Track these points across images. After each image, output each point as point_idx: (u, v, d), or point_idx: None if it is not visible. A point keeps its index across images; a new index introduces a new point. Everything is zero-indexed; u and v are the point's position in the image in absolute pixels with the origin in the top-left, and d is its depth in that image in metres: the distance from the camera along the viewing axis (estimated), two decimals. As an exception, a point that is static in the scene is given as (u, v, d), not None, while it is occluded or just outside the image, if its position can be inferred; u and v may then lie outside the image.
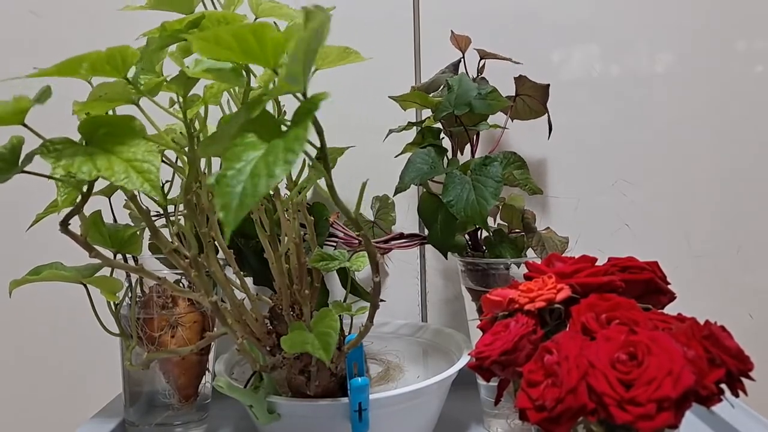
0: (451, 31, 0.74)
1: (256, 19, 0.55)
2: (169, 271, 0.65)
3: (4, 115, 0.39)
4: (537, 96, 0.73)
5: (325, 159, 0.39)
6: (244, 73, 0.45)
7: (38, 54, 0.85)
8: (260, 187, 0.32)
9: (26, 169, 0.41)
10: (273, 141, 0.34)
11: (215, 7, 0.54)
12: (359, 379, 0.54)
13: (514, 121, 0.76)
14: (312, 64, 0.36)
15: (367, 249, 0.46)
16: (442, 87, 0.70)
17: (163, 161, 0.55)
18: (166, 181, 0.62)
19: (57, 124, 0.47)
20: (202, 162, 0.54)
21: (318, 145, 0.38)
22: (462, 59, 0.74)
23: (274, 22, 0.57)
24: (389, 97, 0.73)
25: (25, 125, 0.41)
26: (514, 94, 0.73)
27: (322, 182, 0.40)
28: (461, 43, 0.74)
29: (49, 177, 0.42)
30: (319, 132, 0.37)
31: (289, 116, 0.37)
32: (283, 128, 0.36)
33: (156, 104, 0.46)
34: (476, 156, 0.70)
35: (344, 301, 0.59)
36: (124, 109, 0.44)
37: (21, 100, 0.38)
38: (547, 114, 0.73)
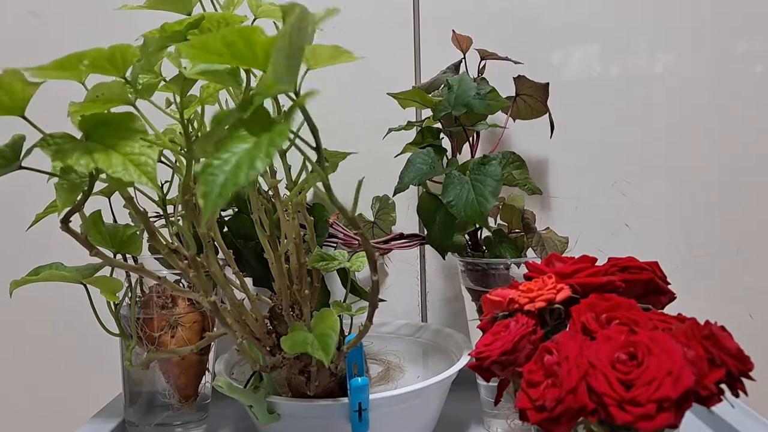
0: (453, 31, 0.74)
1: (254, 20, 0.54)
2: (169, 271, 0.64)
3: (4, 102, 0.39)
4: (537, 95, 0.73)
5: (320, 158, 0.39)
6: (243, 73, 0.45)
7: (38, 54, 0.85)
8: (240, 177, 0.32)
9: (26, 164, 0.42)
10: (262, 135, 0.34)
11: (214, 8, 0.54)
12: (359, 379, 0.54)
13: (516, 121, 0.76)
14: (299, 63, 0.36)
15: (365, 248, 0.46)
16: (442, 87, 0.70)
17: (161, 161, 0.55)
18: (165, 182, 0.62)
19: (58, 123, 0.47)
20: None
21: (314, 144, 0.38)
22: (463, 59, 0.74)
23: (274, 23, 0.57)
24: (388, 93, 0.73)
25: (25, 118, 0.41)
26: (514, 95, 0.73)
27: (320, 183, 0.40)
28: (462, 43, 0.74)
29: (50, 174, 0.42)
30: (314, 131, 0.37)
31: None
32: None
33: (153, 105, 0.46)
34: (476, 156, 0.70)
35: (344, 301, 0.59)
36: (121, 110, 0.44)
37: (9, 72, 0.38)
38: (548, 113, 0.73)
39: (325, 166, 0.39)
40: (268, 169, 0.60)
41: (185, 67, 0.43)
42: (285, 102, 0.58)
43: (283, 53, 0.32)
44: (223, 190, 0.32)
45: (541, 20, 0.84)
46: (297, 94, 0.36)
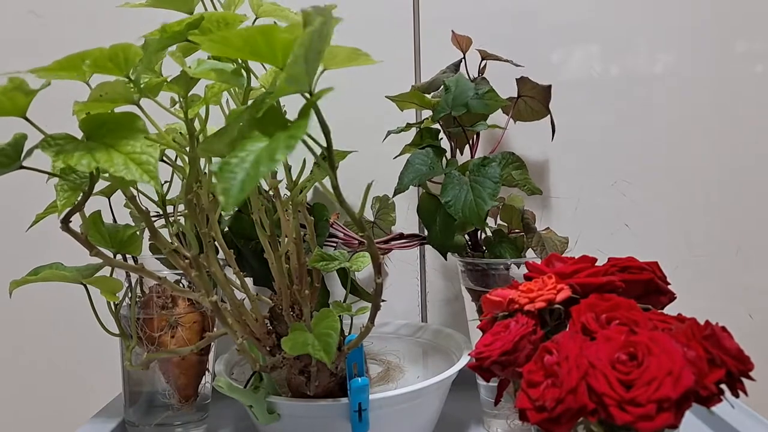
0: (452, 32, 0.74)
1: (256, 19, 0.54)
2: (169, 271, 0.65)
3: (4, 103, 0.39)
4: (539, 97, 0.73)
5: (331, 159, 0.39)
6: (244, 73, 0.45)
7: (38, 54, 0.85)
8: (260, 170, 0.33)
9: (27, 164, 0.42)
10: (277, 133, 0.35)
11: (215, 7, 0.54)
12: (359, 379, 0.54)
13: (516, 122, 0.76)
14: (317, 65, 0.36)
15: (370, 250, 0.46)
16: (441, 87, 0.70)
17: (163, 161, 0.55)
18: (166, 182, 0.62)
19: (58, 124, 0.47)
20: (202, 162, 0.54)
21: (324, 144, 0.38)
22: (463, 59, 0.74)
23: (275, 23, 0.57)
24: (386, 97, 0.73)
25: (26, 119, 0.41)
26: (515, 96, 0.73)
27: (327, 183, 0.40)
28: (462, 43, 0.74)
29: (51, 174, 0.42)
30: (326, 132, 0.38)
31: (290, 115, 0.37)
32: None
33: (158, 104, 0.46)
34: (476, 156, 0.70)
35: (344, 301, 0.59)
36: (124, 109, 0.44)
37: (15, 80, 0.38)
38: (550, 116, 0.73)
39: (335, 168, 0.39)
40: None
41: (190, 66, 0.43)
42: (285, 100, 0.58)
43: (301, 58, 0.33)
44: (244, 185, 0.32)
45: (541, 20, 0.84)
46: (311, 93, 0.36)
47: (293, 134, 0.33)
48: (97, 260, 0.51)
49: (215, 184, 0.33)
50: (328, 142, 0.38)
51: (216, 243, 0.56)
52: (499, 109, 0.71)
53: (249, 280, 0.68)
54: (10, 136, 0.41)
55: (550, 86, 0.72)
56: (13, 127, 0.41)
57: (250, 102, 0.53)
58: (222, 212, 0.31)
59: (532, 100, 0.73)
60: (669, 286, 0.46)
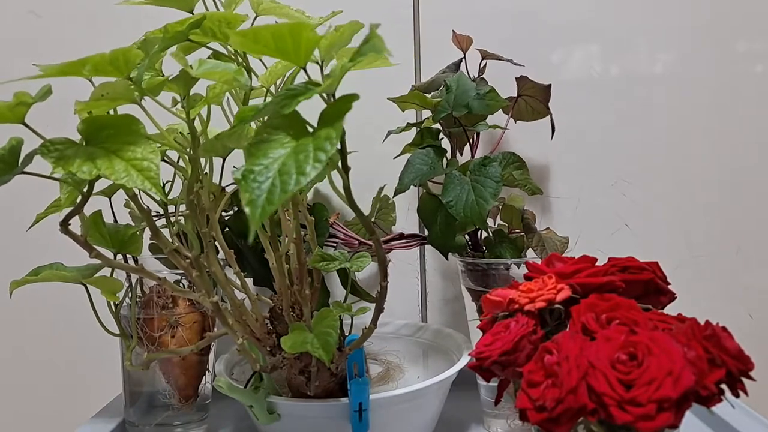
0: (453, 31, 0.74)
1: (255, 18, 0.54)
2: (169, 272, 0.65)
3: (5, 112, 0.39)
4: (539, 96, 0.73)
5: (344, 161, 0.39)
6: (245, 72, 0.45)
7: (38, 54, 0.85)
8: (290, 184, 0.32)
9: (27, 169, 0.41)
10: (300, 139, 0.34)
11: (216, 5, 0.54)
12: (359, 379, 0.54)
13: (517, 122, 0.76)
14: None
15: (378, 254, 0.46)
16: (441, 86, 0.70)
17: (164, 161, 0.55)
18: (167, 182, 0.62)
19: (57, 124, 0.47)
20: (203, 161, 0.54)
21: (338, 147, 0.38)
22: (463, 59, 0.74)
23: (276, 22, 0.57)
24: (388, 98, 0.73)
25: (25, 124, 0.41)
26: (515, 95, 0.73)
27: (339, 185, 0.40)
28: (463, 42, 0.74)
29: (49, 177, 0.42)
30: (342, 135, 0.37)
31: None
32: (309, 128, 0.36)
33: (159, 104, 0.46)
34: (476, 156, 0.70)
35: (344, 301, 0.59)
36: (126, 109, 0.44)
37: (21, 95, 0.38)
38: (550, 115, 0.73)
39: (348, 169, 0.39)
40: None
41: (191, 66, 0.43)
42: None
43: (344, 68, 0.33)
44: (271, 197, 0.31)
45: (541, 20, 0.84)
46: (333, 96, 0.36)
47: (321, 147, 0.32)
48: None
49: (240, 195, 0.32)
50: (342, 145, 0.38)
51: (216, 243, 0.56)
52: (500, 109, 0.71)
53: (249, 280, 0.68)
54: (6, 139, 0.41)
55: (549, 85, 0.72)
56: (9, 130, 0.41)
57: (252, 101, 0.53)
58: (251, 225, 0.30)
59: (532, 100, 0.73)
60: (669, 286, 0.46)
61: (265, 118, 0.40)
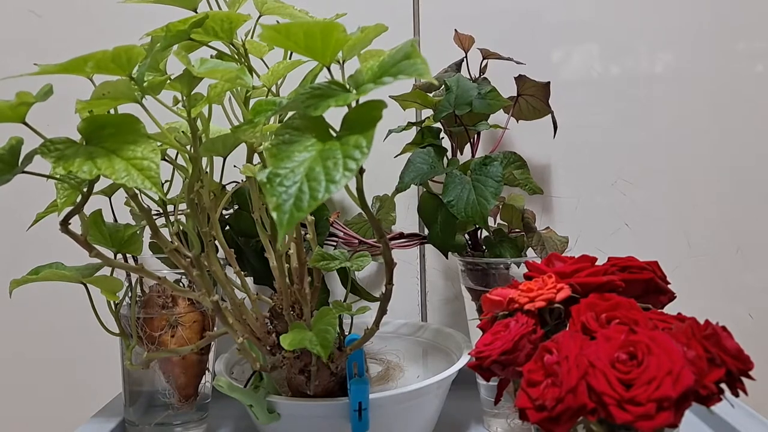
0: (455, 30, 0.74)
1: (259, 17, 0.54)
2: (169, 271, 0.65)
3: (6, 111, 0.39)
4: (539, 95, 0.73)
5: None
6: (247, 72, 0.45)
7: (38, 54, 0.85)
8: (320, 191, 0.31)
9: (27, 169, 0.41)
10: (327, 144, 0.33)
11: (219, 4, 0.54)
12: (359, 378, 0.54)
13: (519, 121, 0.76)
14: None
15: (385, 257, 0.46)
16: (442, 86, 0.71)
17: (164, 159, 0.55)
18: (166, 181, 0.62)
19: (57, 124, 0.47)
20: (204, 161, 0.54)
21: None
22: (465, 59, 0.74)
23: (277, 21, 0.57)
24: (390, 96, 0.73)
25: (26, 123, 0.41)
26: (516, 95, 0.73)
27: (349, 184, 0.40)
28: (464, 42, 0.74)
29: (49, 177, 0.42)
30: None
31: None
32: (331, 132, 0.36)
33: (160, 102, 0.46)
34: (477, 156, 0.70)
35: (344, 300, 0.59)
36: (127, 108, 0.44)
37: (23, 95, 0.38)
38: (551, 113, 0.73)
39: (362, 170, 0.39)
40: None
41: (193, 65, 0.43)
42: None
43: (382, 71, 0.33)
44: (299, 204, 0.30)
45: (542, 20, 0.84)
46: (357, 99, 0.36)
47: (351, 155, 0.31)
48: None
49: (265, 198, 0.31)
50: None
51: (216, 242, 0.56)
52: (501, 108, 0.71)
53: (249, 280, 0.68)
54: (6, 138, 0.41)
55: (548, 83, 0.72)
56: (10, 129, 0.41)
57: (252, 101, 0.53)
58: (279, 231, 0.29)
59: (533, 98, 0.73)
60: (669, 286, 0.46)
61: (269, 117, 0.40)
